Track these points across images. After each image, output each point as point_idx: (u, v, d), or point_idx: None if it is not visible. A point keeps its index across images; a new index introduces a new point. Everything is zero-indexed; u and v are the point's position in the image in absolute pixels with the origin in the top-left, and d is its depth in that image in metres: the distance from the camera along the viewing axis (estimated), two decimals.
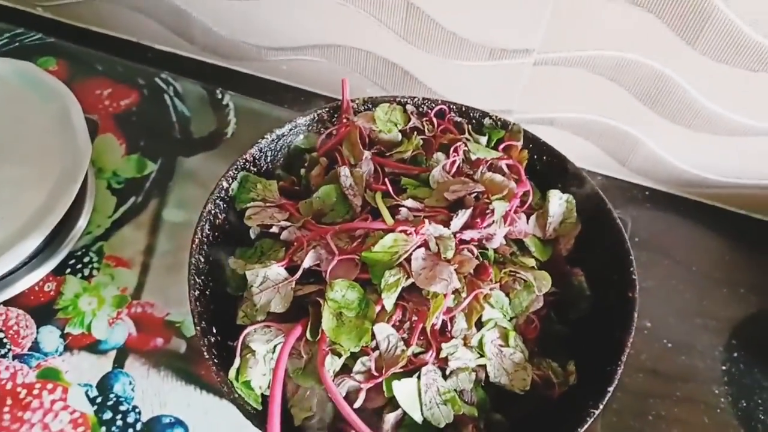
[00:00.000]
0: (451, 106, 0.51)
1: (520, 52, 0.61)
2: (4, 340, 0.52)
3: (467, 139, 0.48)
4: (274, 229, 0.45)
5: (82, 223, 0.57)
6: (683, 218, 0.66)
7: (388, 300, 0.40)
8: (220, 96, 0.69)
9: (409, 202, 0.44)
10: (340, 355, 0.40)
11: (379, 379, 0.39)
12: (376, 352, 0.40)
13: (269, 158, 0.50)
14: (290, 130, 0.50)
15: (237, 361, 0.40)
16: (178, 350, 0.53)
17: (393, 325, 0.41)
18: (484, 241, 0.44)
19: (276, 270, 0.43)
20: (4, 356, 0.52)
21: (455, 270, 0.41)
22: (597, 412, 0.39)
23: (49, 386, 0.50)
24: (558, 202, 0.47)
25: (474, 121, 0.51)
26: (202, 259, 0.44)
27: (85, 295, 0.55)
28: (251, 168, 0.48)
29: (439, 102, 0.51)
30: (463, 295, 0.41)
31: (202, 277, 0.44)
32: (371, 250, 0.41)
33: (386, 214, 0.43)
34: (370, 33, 0.65)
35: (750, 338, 0.58)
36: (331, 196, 0.46)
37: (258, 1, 0.66)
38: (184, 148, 0.64)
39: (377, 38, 0.65)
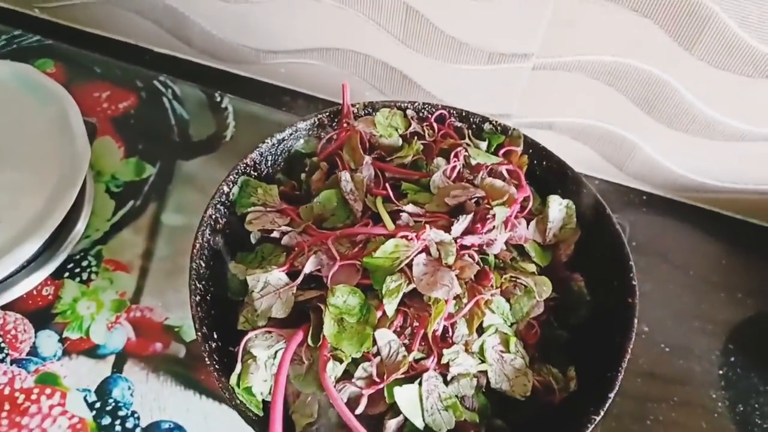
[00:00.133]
0: (452, 111, 0.51)
1: (518, 57, 0.61)
2: (2, 345, 0.52)
3: (467, 144, 0.48)
4: (275, 234, 0.45)
5: (80, 226, 0.57)
6: (681, 222, 0.67)
7: (390, 306, 0.40)
8: (219, 99, 0.68)
9: (410, 207, 0.44)
10: (341, 361, 0.40)
11: (381, 385, 0.39)
12: (378, 358, 0.40)
13: (270, 163, 0.50)
14: (291, 134, 0.50)
15: (238, 367, 0.40)
16: (177, 355, 0.53)
17: (394, 331, 0.41)
18: (484, 247, 0.44)
19: (277, 275, 0.42)
20: (2, 361, 0.51)
21: (456, 276, 0.41)
22: (598, 418, 0.39)
23: (48, 391, 0.50)
24: (558, 207, 0.47)
25: (474, 126, 0.51)
26: (203, 264, 0.44)
27: (84, 300, 0.55)
28: (252, 172, 0.48)
29: (439, 107, 0.51)
30: (464, 300, 0.41)
31: (203, 282, 0.44)
32: (372, 256, 0.41)
33: (387, 219, 0.43)
34: (369, 36, 0.65)
35: (747, 342, 0.59)
36: (331, 201, 0.46)
37: (256, 4, 0.66)
38: (183, 152, 0.64)
39: (376, 42, 0.65)
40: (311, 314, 0.42)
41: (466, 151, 0.47)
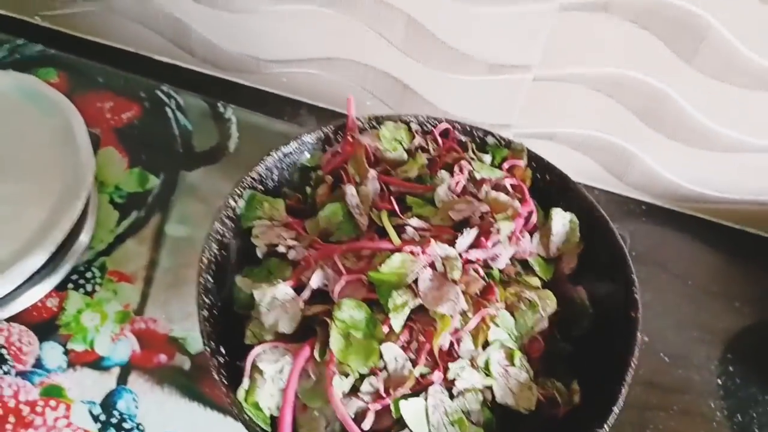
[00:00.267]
0: (455, 125, 0.52)
1: (519, 68, 0.61)
2: (7, 357, 0.52)
3: (471, 158, 0.49)
4: (281, 249, 0.45)
5: (84, 238, 0.57)
6: (680, 232, 0.67)
7: (396, 321, 0.40)
8: (222, 109, 0.69)
9: (415, 222, 0.45)
10: (348, 376, 0.40)
11: (387, 400, 0.40)
12: (384, 373, 0.41)
13: (275, 176, 0.50)
14: (296, 148, 0.50)
15: (246, 382, 0.41)
16: (182, 367, 0.53)
17: (400, 346, 0.41)
18: (489, 261, 0.44)
19: (284, 289, 0.43)
20: (6, 373, 0.51)
21: (462, 291, 0.41)
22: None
23: (53, 403, 0.50)
24: (561, 221, 0.48)
25: (478, 139, 0.52)
26: (210, 279, 0.44)
27: (88, 311, 0.55)
28: (258, 186, 0.49)
29: (443, 120, 0.52)
30: (470, 315, 0.41)
31: (210, 297, 0.44)
32: (379, 271, 0.41)
33: (393, 233, 0.44)
34: (371, 47, 0.65)
35: (746, 352, 0.59)
36: (337, 214, 0.46)
37: (257, 14, 0.66)
38: (186, 162, 0.64)
39: (377, 52, 0.65)
40: (318, 329, 0.42)
41: (470, 165, 0.48)
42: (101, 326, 0.54)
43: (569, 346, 0.47)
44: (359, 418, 0.40)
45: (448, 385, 0.41)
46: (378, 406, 0.40)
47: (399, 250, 0.42)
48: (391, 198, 0.46)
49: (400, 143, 0.50)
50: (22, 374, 0.51)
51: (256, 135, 0.67)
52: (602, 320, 0.47)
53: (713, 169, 0.64)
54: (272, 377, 0.41)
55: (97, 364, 0.53)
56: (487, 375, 0.42)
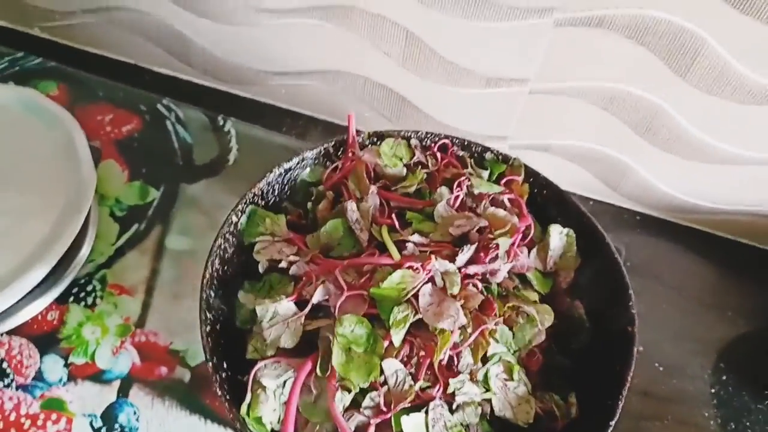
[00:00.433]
0: (454, 140, 0.52)
1: (516, 81, 0.62)
2: (8, 370, 0.52)
3: (470, 174, 0.49)
4: (283, 264, 0.46)
5: (85, 251, 0.57)
6: (674, 243, 0.68)
7: (397, 336, 0.41)
8: (221, 122, 0.69)
9: (415, 237, 0.45)
10: (349, 390, 0.41)
11: (388, 415, 0.40)
12: (385, 387, 0.41)
13: (276, 191, 0.50)
14: (297, 163, 0.50)
15: (248, 397, 0.41)
16: (183, 379, 0.53)
17: (401, 360, 0.42)
18: (488, 276, 0.45)
19: (286, 305, 0.43)
20: (7, 386, 0.52)
21: (461, 306, 0.42)
22: None
23: (54, 417, 0.51)
24: (558, 236, 0.49)
25: (476, 155, 0.52)
26: (212, 294, 0.45)
27: (89, 324, 0.55)
28: (259, 201, 0.49)
29: (442, 136, 0.52)
30: (469, 330, 0.42)
31: (212, 312, 0.44)
32: (380, 286, 0.42)
33: (393, 249, 0.44)
34: (369, 60, 0.66)
35: (739, 362, 0.60)
36: (338, 230, 0.47)
37: (257, 27, 0.67)
38: (186, 175, 0.65)
39: (376, 65, 0.66)
40: (319, 344, 0.42)
41: (469, 180, 0.48)
42: (102, 339, 0.55)
43: (567, 360, 0.47)
44: None
45: (448, 398, 0.42)
46: (379, 421, 0.40)
47: (400, 266, 0.43)
48: (392, 214, 0.47)
49: (400, 159, 0.50)
50: (23, 387, 0.52)
51: (255, 147, 0.68)
52: (599, 334, 0.48)
53: (707, 180, 0.64)
54: (274, 392, 0.42)
55: (98, 377, 0.53)
56: (486, 389, 0.43)
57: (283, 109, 0.75)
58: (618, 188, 0.69)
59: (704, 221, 0.68)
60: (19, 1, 0.75)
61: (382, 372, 0.41)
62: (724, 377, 0.59)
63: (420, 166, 0.50)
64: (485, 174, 0.51)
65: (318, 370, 0.41)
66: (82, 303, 0.56)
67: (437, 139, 0.52)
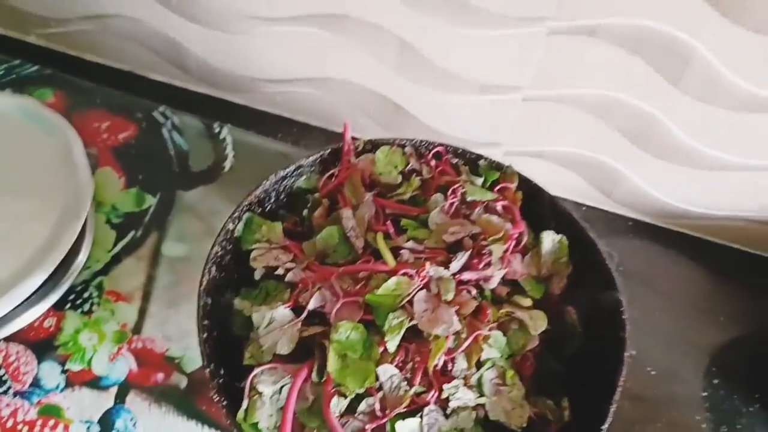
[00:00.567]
0: (448, 148, 0.53)
1: (509, 89, 0.63)
2: (5, 377, 0.53)
3: (464, 181, 0.50)
4: (279, 271, 0.46)
5: (82, 257, 0.58)
6: (666, 249, 0.69)
7: (392, 342, 0.41)
8: (217, 130, 0.69)
9: (410, 244, 0.46)
10: (345, 396, 0.41)
11: (384, 420, 0.41)
12: (380, 393, 0.42)
13: (272, 198, 0.51)
14: (294, 171, 0.51)
15: (245, 403, 0.41)
16: (179, 385, 0.54)
17: (396, 366, 0.42)
18: (481, 282, 0.46)
19: (282, 312, 0.44)
20: (4, 393, 0.52)
21: (455, 312, 0.42)
22: None
23: (51, 423, 0.51)
24: (551, 242, 0.49)
25: (470, 162, 0.53)
26: (209, 301, 0.45)
27: (86, 331, 0.55)
28: (256, 209, 0.50)
29: (437, 144, 0.53)
30: (463, 336, 0.43)
31: (210, 319, 0.45)
32: (375, 293, 0.42)
33: (388, 256, 0.45)
34: (364, 67, 0.66)
35: (730, 366, 0.61)
36: (333, 237, 0.47)
37: (253, 35, 0.67)
38: (182, 182, 0.65)
39: (371, 72, 0.66)
40: (315, 350, 0.43)
41: (463, 187, 0.49)
42: (99, 346, 0.55)
43: (560, 365, 0.48)
44: None
45: (443, 403, 0.42)
46: (374, 426, 0.41)
47: (395, 272, 0.43)
48: (387, 221, 0.47)
49: (395, 167, 0.51)
50: (20, 394, 0.52)
51: (251, 154, 0.68)
52: (592, 339, 0.48)
53: (698, 186, 0.65)
54: (271, 398, 0.42)
55: (95, 383, 0.53)
56: (480, 394, 0.43)
57: (278, 116, 0.75)
58: (611, 194, 0.70)
59: (696, 227, 0.69)
60: (15, 9, 0.75)
61: (377, 377, 0.41)
62: (716, 381, 0.60)
63: (415, 174, 0.51)
64: (479, 181, 0.51)
65: (314, 375, 0.42)
66: (79, 309, 0.56)
67: (432, 146, 0.53)
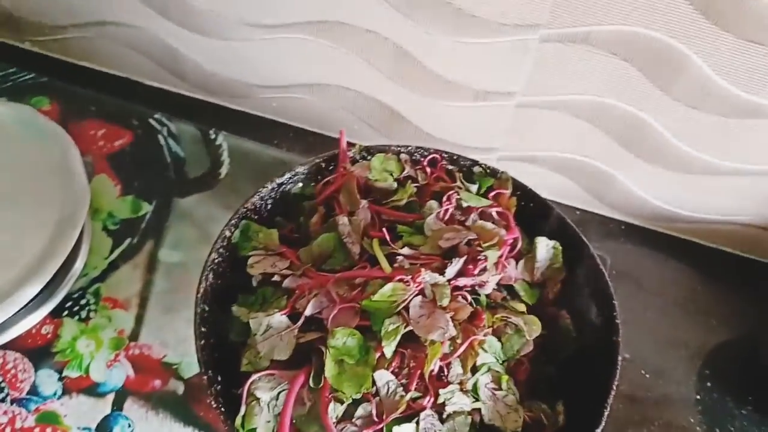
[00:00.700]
0: (443, 155, 0.53)
1: (503, 95, 0.63)
2: (2, 385, 0.53)
3: (459, 188, 0.51)
4: (276, 278, 0.47)
5: (78, 265, 0.58)
6: (658, 252, 0.69)
7: (388, 348, 0.42)
8: (213, 136, 0.70)
9: (406, 250, 0.46)
10: (342, 402, 0.42)
11: (380, 425, 0.41)
12: (377, 398, 0.42)
13: (269, 205, 0.51)
14: (290, 178, 0.51)
15: (243, 409, 0.42)
16: (176, 392, 0.54)
17: (392, 371, 0.42)
18: (476, 287, 0.46)
19: (279, 318, 0.44)
20: (2, 401, 0.52)
21: (451, 317, 0.43)
22: None
23: (48, 430, 0.51)
24: (545, 248, 0.50)
25: (465, 168, 0.54)
26: (207, 308, 0.45)
27: (83, 338, 0.56)
28: (252, 216, 0.50)
29: (432, 151, 0.53)
30: (459, 341, 0.43)
31: (207, 326, 0.45)
32: (371, 299, 0.43)
33: (384, 262, 0.45)
34: (359, 73, 0.67)
35: (722, 367, 0.62)
36: (330, 243, 0.48)
37: (249, 41, 0.68)
38: (178, 189, 0.65)
39: (366, 78, 0.67)
40: (312, 356, 0.43)
41: (458, 194, 0.50)
42: (96, 352, 0.55)
43: (554, 369, 0.48)
44: None
45: (438, 408, 0.43)
46: (371, 431, 0.41)
47: (391, 278, 0.44)
48: (383, 227, 0.48)
49: (391, 174, 0.51)
50: (17, 401, 0.52)
51: (247, 160, 0.69)
52: (585, 343, 0.49)
53: (689, 190, 0.66)
54: (268, 404, 0.42)
55: (93, 390, 0.53)
56: (476, 398, 0.44)
57: (274, 122, 0.76)
58: (604, 198, 0.70)
59: (687, 230, 0.70)
60: (9, 15, 0.75)
61: (373, 383, 0.42)
62: (709, 383, 0.60)
63: (410, 180, 0.51)
64: (474, 188, 0.52)
65: (311, 381, 0.42)
66: (76, 317, 0.57)
67: (427, 153, 0.53)
